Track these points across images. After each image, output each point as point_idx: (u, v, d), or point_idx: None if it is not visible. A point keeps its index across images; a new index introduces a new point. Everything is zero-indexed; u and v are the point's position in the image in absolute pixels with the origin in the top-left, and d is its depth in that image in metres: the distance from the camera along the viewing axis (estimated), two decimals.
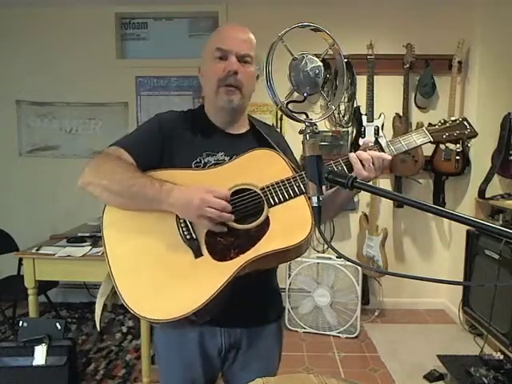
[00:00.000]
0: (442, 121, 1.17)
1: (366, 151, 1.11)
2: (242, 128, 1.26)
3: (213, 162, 1.16)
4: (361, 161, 1.09)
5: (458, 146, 3.24)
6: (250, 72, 1.18)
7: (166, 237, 1.07)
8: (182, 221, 1.07)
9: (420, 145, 1.14)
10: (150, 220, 1.08)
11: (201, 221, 1.03)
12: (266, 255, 1.03)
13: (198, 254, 1.05)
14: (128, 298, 1.02)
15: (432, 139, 1.14)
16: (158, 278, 1.04)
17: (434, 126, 1.16)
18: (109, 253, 1.07)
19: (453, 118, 1.17)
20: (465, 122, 1.16)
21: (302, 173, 1.09)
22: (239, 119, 1.24)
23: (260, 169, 1.12)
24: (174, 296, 1.02)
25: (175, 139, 1.17)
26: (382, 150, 1.13)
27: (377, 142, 1.14)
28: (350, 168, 1.10)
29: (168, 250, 1.06)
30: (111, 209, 1.11)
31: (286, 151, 1.22)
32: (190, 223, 1.07)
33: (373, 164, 1.09)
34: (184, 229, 1.06)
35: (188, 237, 1.05)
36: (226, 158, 1.17)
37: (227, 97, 1.16)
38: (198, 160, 1.16)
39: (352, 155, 1.10)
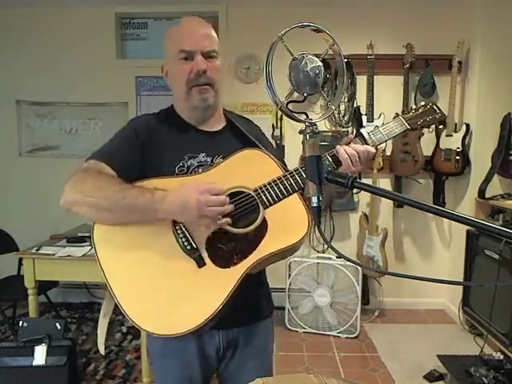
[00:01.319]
0: (415, 107, 1.22)
1: (349, 145, 1.11)
2: (218, 124, 1.25)
3: (196, 164, 1.15)
4: (348, 156, 1.09)
5: (454, 142, 3.24)
6: (217, 66, 1.17)
7: (164, 249, 1.04)
8: (179, 231, 1.05)
9: (399, 133, 1.17)
10: (145, 232, 1.05)
11: (202, 220, 1.02)
12: (268, 256, 1.03)
13: (200, 263, 1.03)
14: (133, 314, 1.00)
15: (409, 127, 1.18)
16: (163, 292, 1.02)
17: (409, 113, 1.21)
18: (106, 271, 1.03)
19: (422, 103, 1.23)
20: (434, 107, 1.22)
21: (292, 170, 1.09)
22: (214, 116, 1.23)
23: (250, 170, 1.10)
24: (180, 310, 1.00)
25: (154, 144, 1.15)
26: (365, 141, 1.13)
27: (359, 133, 1.14)
28: (337, 161, 1.10)
29: (169, 263, 1.03)
30: (101, 225, 1.07)
31: (266, 146, 1.21)
32: (188, 232, 1.05)
33: (359, 158, 1.09)
34: (183, 239, 1.04)
35: (188, 247, 1.04)
36: (208, 159, 1.16)
37: (201, 96, 1.15)
38: (181, 164, 1.14)
39: (341, 151, 1.09)
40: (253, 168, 1.11)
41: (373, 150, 1.12)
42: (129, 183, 1.07)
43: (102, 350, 1.19)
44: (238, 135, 1.21)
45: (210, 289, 1.01)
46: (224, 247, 1.05)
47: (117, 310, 3.45)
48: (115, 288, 1.02)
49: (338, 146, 1.11)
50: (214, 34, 1.19)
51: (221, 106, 1.26)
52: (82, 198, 1.04)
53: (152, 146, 1.15)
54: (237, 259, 1.04)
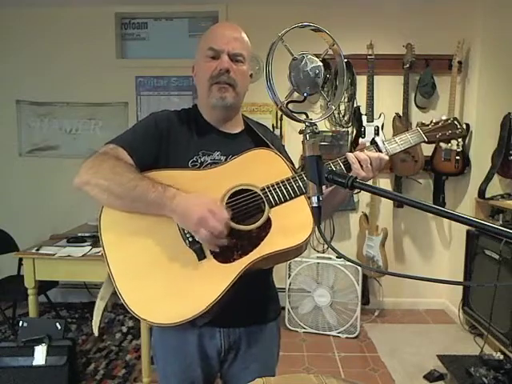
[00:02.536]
0: (435, 120, 1.18)
1: (363, 151, 1.11)
2: (237, 127, 1.26)
3: (209, 161, 1.16)
4: (359, 161, 1.09)
5: (453, 143, 3.25)
6: (242, 70, 1.18)
7: (167, 239, 1.05)
8: None
9: (414, 145, 1.15)
10: (150, 222, 1.06)
11: (197, 235, 1.03)
12: (268, 256, 1.03)
13: (201, 256, 1.04)
14: (130, 300, 1.01)
15: (426, 139, 1.15)
16: (161, 281, 1.03)
17: (428, 125, 1.17)
18: (109, 256, 1.05)
19: (444, 118, 1.18)
20: (455, 122, 1.18)
21: (302, 173, 1.09)
22: (233, 118, 1.24)
23: (259, 169, 1.11)
24: (177, 299, 1.01)
25: (172, 138, 1.17)
26: (379, 149, 1.13)
27: (373, 141, 1.14)
28: (348, 168, 1.10)
29: (170, 253, 1.05)
30: (109, 211, 1.08)
31: (280, 151, 1.21)
32: None
33: (370, 164, 1.09)
34: (186, 231, 1.05)
35: (190, 239, 1.05)
36: (222, 158, 1.17)
37: (220, 94, 1.16)
38: (194, 159, 1.16)
39: (350, 155, 1.10)
40: (262, 167, 1.12)
41: (386, 157, 1.11)
42: (143, 172, 1.08)
43: (96, 331, 1.19)
44: (255, 139, 1.23)
45: (208, 282, 1.02)
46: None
47: (117, 311, 3.47)
48: (116, 274, 1.04)
49: (348, 153, 1.11)
50: (247, 41, 1.19)
51: (241, 110, 1.27)
52: (96, 180, 1.06)
53: (169, 140, 1.17)
54: (237, 255, 1.04)
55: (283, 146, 1.34)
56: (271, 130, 1.33)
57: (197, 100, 1.27)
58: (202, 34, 1.25)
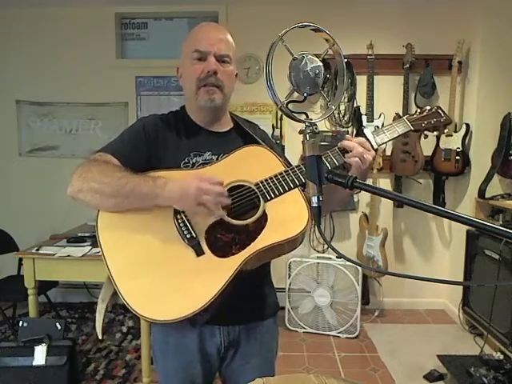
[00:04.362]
0: (420, 110, 1.22)
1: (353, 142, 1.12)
2: (226, 126, 1.27)
3: (201, 161, 1.17)
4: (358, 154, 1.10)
5: (450, 139, 3.25)
6: (229, 71, 1.19)
7: (165, 237, 1.06)
8: (180, 220, 1.07)
9: (401, 134, 1.18)
10: (146, 221, 1.07)
11: (200, 208, 1.03)
12: (266, 249, 1.04)
13: (199, 252, 1.05)
14: (130, 299, 1.01)
15: (412, 128, 1.18)
16: (161, 278, 1.04)
17: (413, 115, 1.21)
18: (107, 257, 1.06)
19: (428, 107, 1.22)
20: (439, 111, 1.21)
21: (294, 166, 1.11)
22: (221, 118, 1.25)
23: (252, 165, 1.13)
24: (177, 296, 1.02)
25: (161, 142, 1.18)
26: (368, 141, 1.13)
27: (362, 132, 1.15)
28: (342, 165, 1.12)
29: (168, 250, 1.05)
30: (105, 213, 1.09)
31: (272, 147, 1.22)
32: (189, 221, 1.06)
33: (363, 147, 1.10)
34: (183, 228, 1.06)
35: (188, 236, 1.05)
36: (214, 157, 1.18)
37: (208, 96, 1.16)
38: (186, 161, 1.17)
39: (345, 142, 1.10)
40: (255, 163, 1.13)
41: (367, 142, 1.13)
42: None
43: (100, 334, 1.20)
44: (244, 136, 1.24)
45: (207, 277, 1.03)
46: (223, 237, 1.06)
47: (117, 311, 3.47)
48: (115, 274, 1.04)
49: (343, 142, 1.11)
50: (231, 41, 1.21)
51: (228, 109, 1.28)
52: (87, 184, 1.06)
53: (159, 145, 1.18)
54: (235, 250, 1.05)
55: (275, 141, 1.34)
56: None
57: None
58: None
